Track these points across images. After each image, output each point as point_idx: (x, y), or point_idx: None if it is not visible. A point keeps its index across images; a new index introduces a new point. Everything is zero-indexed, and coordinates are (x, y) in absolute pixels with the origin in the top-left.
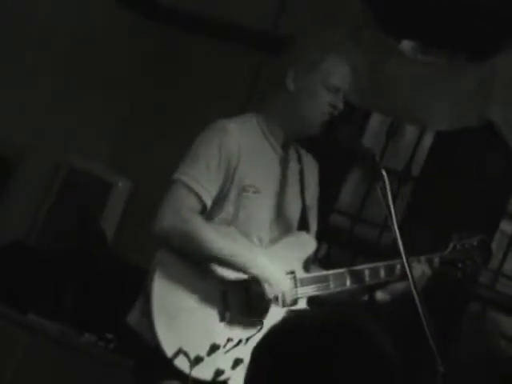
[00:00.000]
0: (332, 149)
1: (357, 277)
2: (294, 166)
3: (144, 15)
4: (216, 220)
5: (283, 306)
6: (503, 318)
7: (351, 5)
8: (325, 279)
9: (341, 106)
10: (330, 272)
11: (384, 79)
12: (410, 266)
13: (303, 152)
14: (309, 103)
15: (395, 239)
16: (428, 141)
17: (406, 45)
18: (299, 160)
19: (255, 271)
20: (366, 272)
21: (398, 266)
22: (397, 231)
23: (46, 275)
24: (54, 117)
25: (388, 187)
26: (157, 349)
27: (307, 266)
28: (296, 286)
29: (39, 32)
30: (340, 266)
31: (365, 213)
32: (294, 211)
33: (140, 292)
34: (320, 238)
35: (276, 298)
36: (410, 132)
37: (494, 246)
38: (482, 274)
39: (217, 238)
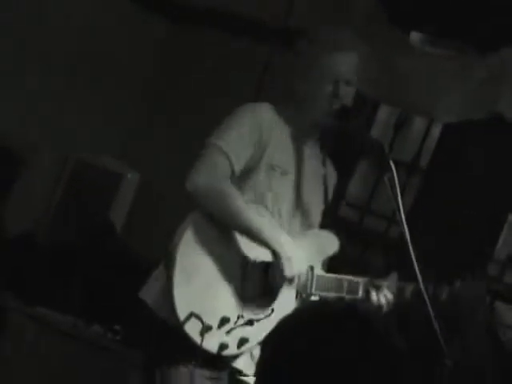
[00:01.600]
0: (340, 140)
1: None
2: (317, 166)
3: (154, 11)
4: (244, 198)
5: (297, 293)
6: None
7: None
8: (339, 283)
9: (349, 100)
10: (347, 277)
11: (393, 71)
12: (424, 290)
13: (328, 159)
14: (315, 104)
15: (402, 231)
16: (436, 132)
17: (415, 36)
18: (324, 163)
19: (278, 247)
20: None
21: (409, 288)
22: (404, 223)
23: (55, 267)
24: (63, 109)
25: (396, 179)
26: (169, 328)
27: (325, 266)
28: (312, 282)
29: (55, 29)
30: (348, 259)
31: (373, 205)
32: (314, 207)
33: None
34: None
35: (292, 280)
36: (419, 123)
37: (502, 237)
38: (491, 266)
39: (247, 208)
